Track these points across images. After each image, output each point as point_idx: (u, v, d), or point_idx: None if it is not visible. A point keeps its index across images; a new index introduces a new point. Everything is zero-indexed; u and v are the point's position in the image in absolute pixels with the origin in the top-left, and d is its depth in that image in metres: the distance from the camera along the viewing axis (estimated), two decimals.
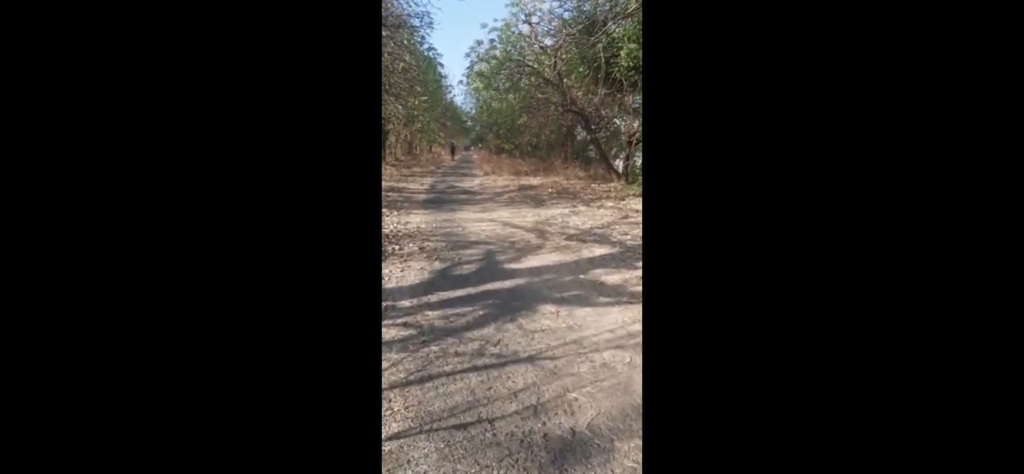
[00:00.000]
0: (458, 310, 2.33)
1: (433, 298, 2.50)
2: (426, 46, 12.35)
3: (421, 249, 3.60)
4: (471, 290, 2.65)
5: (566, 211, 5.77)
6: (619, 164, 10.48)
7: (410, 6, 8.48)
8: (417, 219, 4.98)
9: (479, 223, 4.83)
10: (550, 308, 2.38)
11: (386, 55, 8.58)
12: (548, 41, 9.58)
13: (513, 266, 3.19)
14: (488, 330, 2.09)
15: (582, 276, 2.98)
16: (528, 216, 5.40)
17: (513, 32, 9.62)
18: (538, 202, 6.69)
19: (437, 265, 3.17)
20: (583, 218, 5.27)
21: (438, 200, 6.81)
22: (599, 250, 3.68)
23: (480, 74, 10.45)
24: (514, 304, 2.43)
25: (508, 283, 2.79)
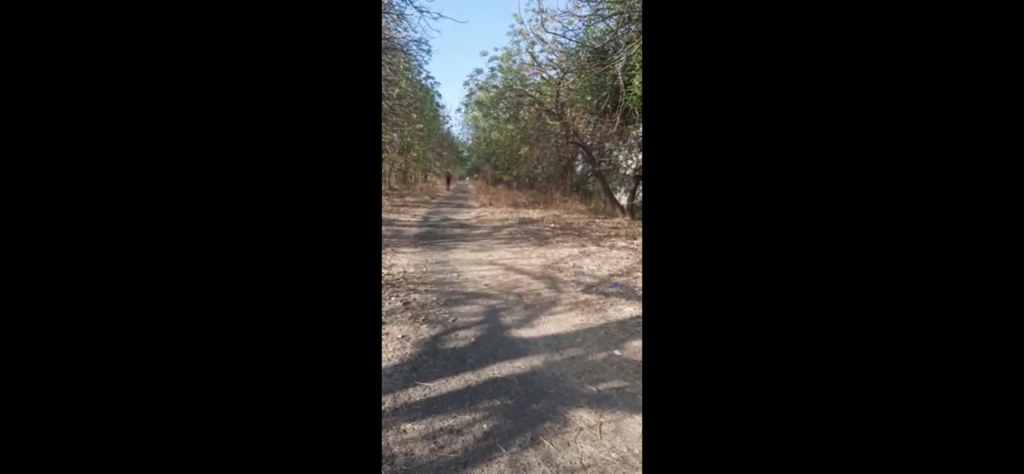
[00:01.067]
0: (451, 419, 1.57)
1: (416, 394, 1.75)
2: (424, 75, 12.01)
3: (405, 305, 2.85)
4: (470, 378, 1.90)
5: (575, 251, 5.09)
6: (623, 199, 9.97)
7: (407, 32, 8.08)
8: (404, 261, 4.24)
9: (478, 267, 4.11)
10: (586, 415, 1.64)
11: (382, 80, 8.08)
12: (552, 72, 9.22)
13: (524, 333, 2.45)
14: (499, 466, 1.33)
15: (618, 352, 2.24)
16: (533, 257, 4.70)
17: (515, 62, 9.25)
18: (541, 239, 6.01)
19: (424, 332, 2.42)
20: (596, 261, 4.59)
21: (430, 235, 6.10)
22: (628, 309, 2.96)
23: (479, 103, 10.02)
24: (532, 407, 1.68)
25: (520, 364, 2.05)
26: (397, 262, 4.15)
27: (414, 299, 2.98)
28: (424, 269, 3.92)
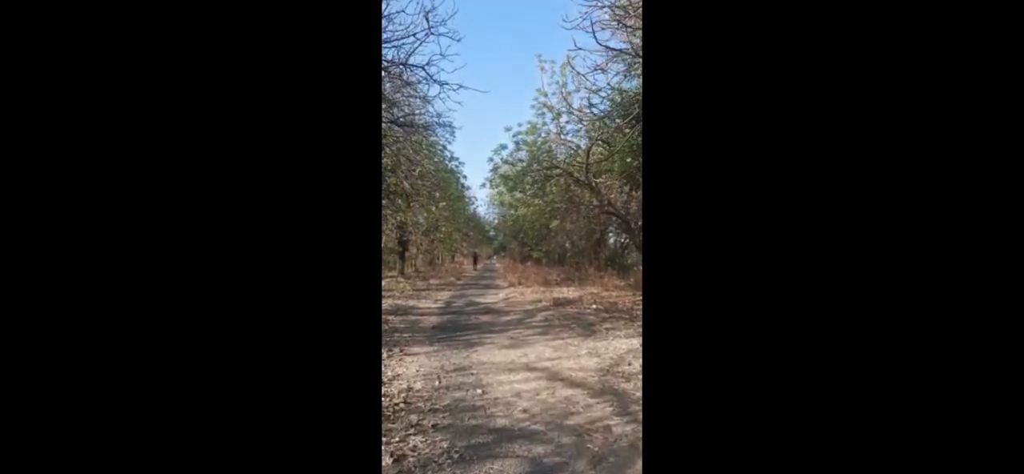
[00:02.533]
0: None
1: None
2: (448, 155, 11.97)
3: (397, 464, 1.77)
4: None
5: (636, 344, 3.90)
6: None
7: (430, 111, 7.96)
8: (413, 369, 3.22)
9: (510, 376, 3.01)
10: None
11: (405, 159, 7.85)
12: (581, 141, 8.76)
13: None
14: None
15: None
16: (582, 354, 3.56)
17: (541, 134, 8.89)
18: (586, 327, 4.88)
19: None
20: None
21: (452, 326, 5.11)
22: None
23: (505, 177, 9.57)
24: None
25: None
26: (404, 371, 3.13)
27: (415, 446, 1.91)
28: (437, 382, 2.87)
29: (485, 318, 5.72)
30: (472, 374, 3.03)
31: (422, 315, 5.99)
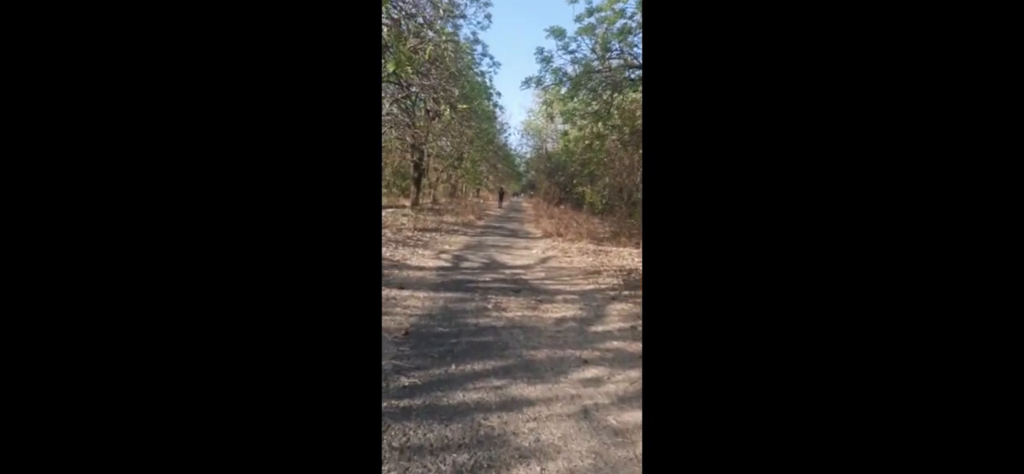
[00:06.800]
0: None
1: None
2: (479, 52, 8.64)
3: None
4: None
5: None
6: None
7: None
8: None
9: None
10: None
11: (410, 28, 4.92)
12: None
13: None
14: None
15: None
16: None
17: (625, 9, 5.56)
18: None
19: None
20: None
21: (446, 331, 2.49)
22: None
23: (559, 75, 6.41)
24: None
25: None
26: None
27: None
28: None
29: (513, 310, 3.07)
30: None
31: (403, 288, 3.41)
